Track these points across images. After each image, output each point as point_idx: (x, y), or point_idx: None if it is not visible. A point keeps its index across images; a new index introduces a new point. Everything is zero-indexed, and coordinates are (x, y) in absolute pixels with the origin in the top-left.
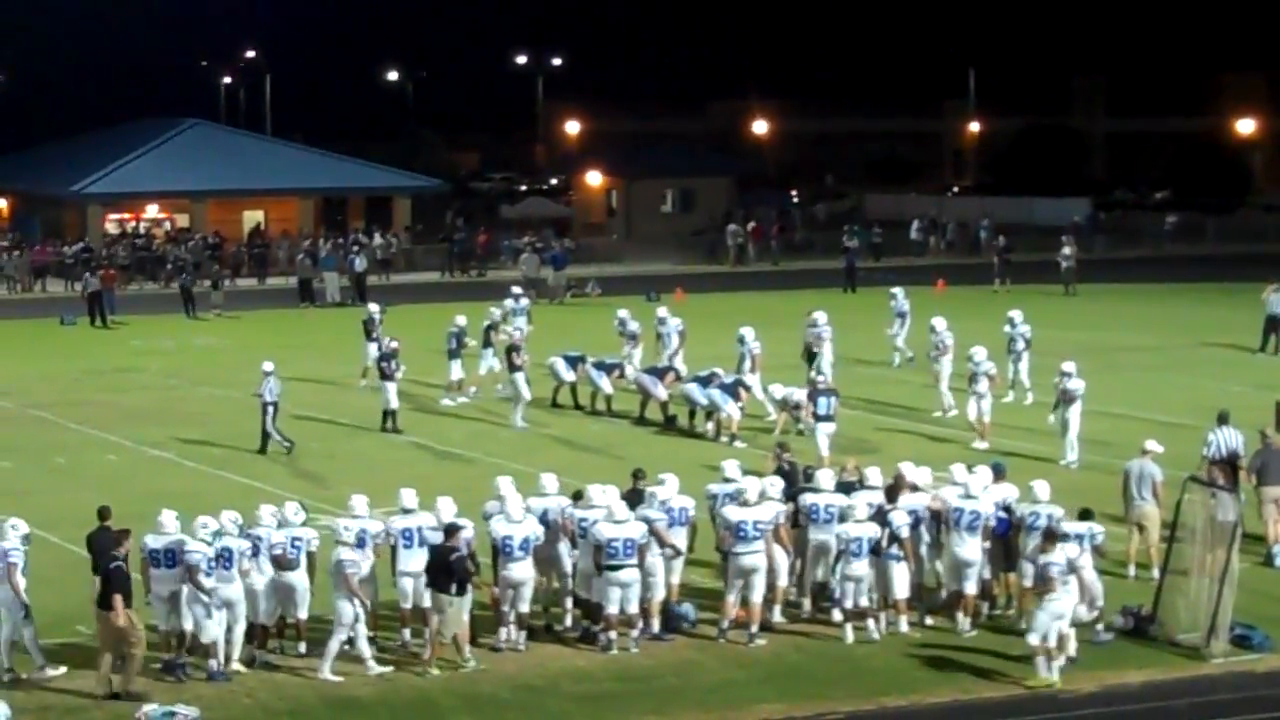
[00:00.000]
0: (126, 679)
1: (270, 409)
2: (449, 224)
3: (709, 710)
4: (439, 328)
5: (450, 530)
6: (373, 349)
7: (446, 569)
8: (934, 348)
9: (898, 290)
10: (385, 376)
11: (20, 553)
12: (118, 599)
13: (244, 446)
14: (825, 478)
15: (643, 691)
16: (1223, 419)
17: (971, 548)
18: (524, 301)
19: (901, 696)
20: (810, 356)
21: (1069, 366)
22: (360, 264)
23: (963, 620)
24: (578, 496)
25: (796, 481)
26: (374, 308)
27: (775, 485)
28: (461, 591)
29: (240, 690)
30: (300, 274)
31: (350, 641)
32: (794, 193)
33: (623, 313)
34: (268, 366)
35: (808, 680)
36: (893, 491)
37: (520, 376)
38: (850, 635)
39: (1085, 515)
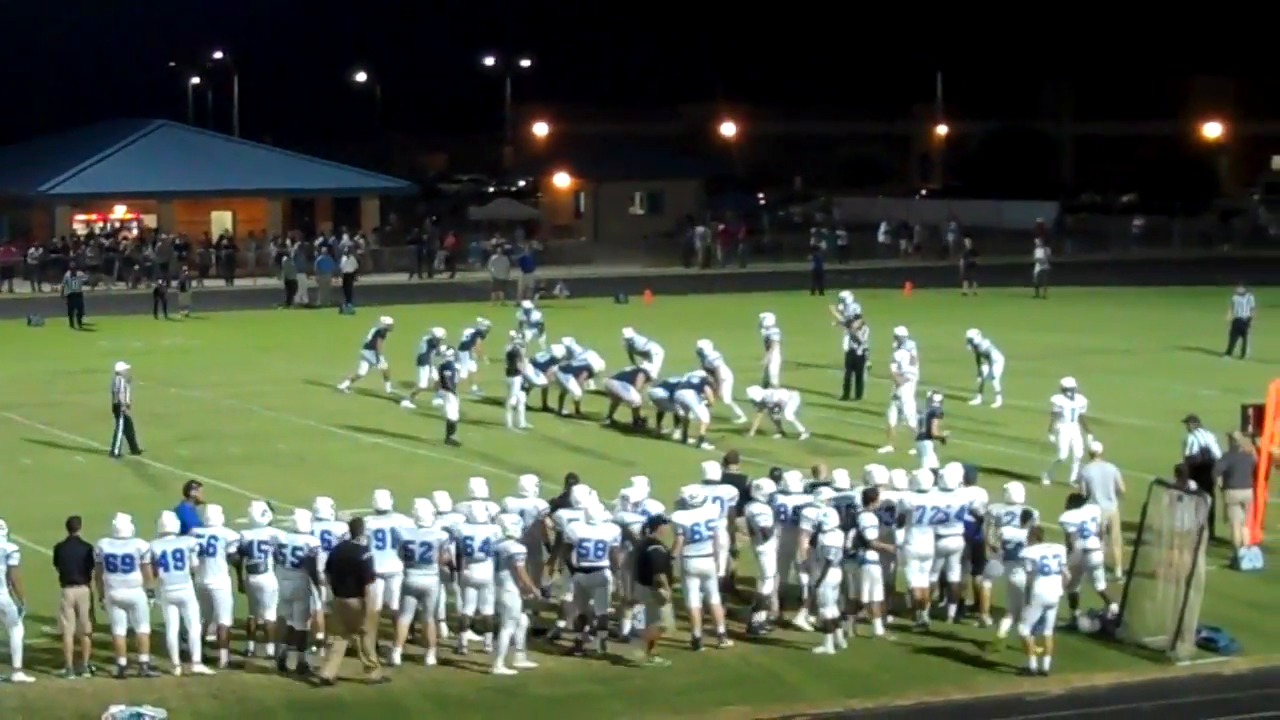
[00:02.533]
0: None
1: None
2: (406, 224)
3: (678, 712)
4: (406, 329)
5: (655, 522)
6: (369, 358)
7: (648, 563)
8: (897, 364)
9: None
10: (446, 386)
11: (18, 553)
12: (369, 587)
13: (213, 448)
14: (794, 480)
15: (611, 693)
16: (1194, 421)
17: (922, 542)
18: (535, 315)
19: (869, 698)
20: (854, 367)
21: (1070, 382)
22: (350, 264)
23: (920, 614)
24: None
25: (743, 492)
26: (387, 320)
27: (730, 491)
28: (661, 584)
29: (205, 691)
30: (286, 274)
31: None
32: (761, 196)
33: (568, 340)
34: (119, 366)
35: (775, 683)
36: (870, 495)
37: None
38: (831, 645)
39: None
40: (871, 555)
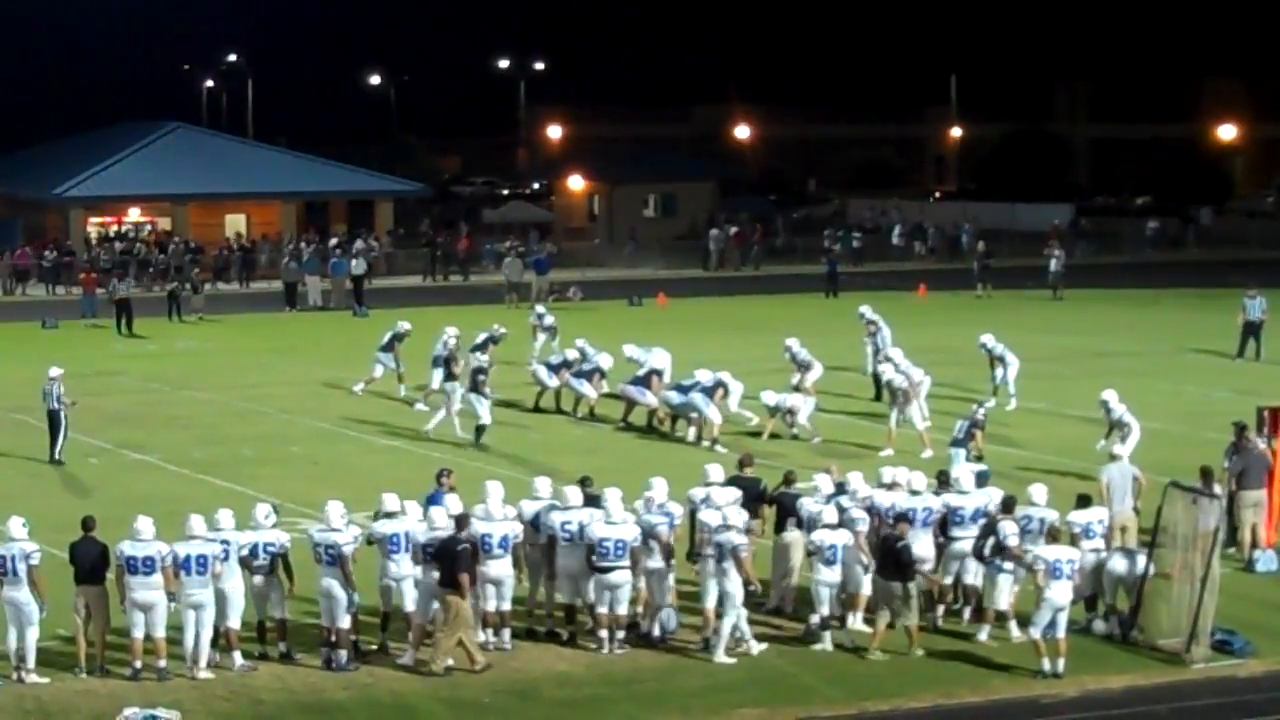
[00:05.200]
0: (437, 654)
1: (58, 414)
2: (425, 227)
3: (690, 714)
4: (420, 332)
5: (900, 518)
6: (385, 361)
7: (896, 559)
8: (899, 388)
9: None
10: (477, 390)
11: (39, 553)
12: (464, 578)
13: (226, 450)
14: (825, 483)
15: (624, 695)
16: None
17: (923, 544)
18: (549, 320)
19: (883, 701)
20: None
21: (1109, 396)
22: (360, 266)
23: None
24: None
25: (758, 495)
26: (405, 325)
27: (731, 494)
28: (910, 579)
29: (217, 694)
30: (285, 278)
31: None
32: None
33: (581, 343)
34: (53, 372)
35: (789, 685)
36: (1010, 504)
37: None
38: (829, 643)
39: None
40: (1007, 564)
